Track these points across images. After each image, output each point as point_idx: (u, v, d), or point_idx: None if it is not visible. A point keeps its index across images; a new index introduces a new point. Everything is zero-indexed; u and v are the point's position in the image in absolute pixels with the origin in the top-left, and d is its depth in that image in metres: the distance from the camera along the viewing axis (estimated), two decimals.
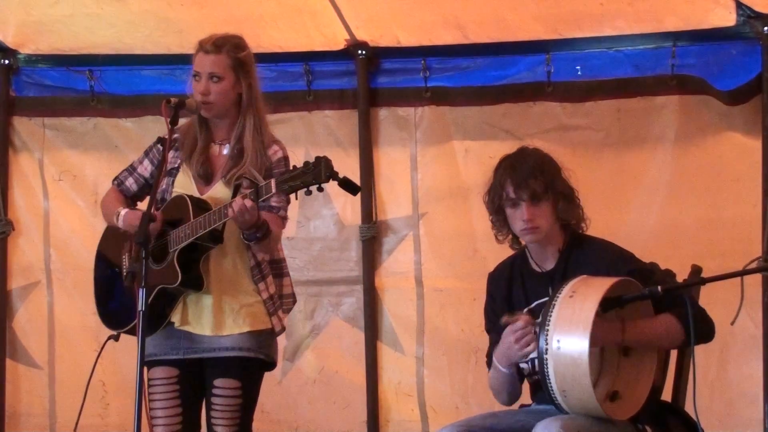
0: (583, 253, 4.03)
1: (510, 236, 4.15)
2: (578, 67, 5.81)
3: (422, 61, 5.95)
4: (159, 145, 4.51)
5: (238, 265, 4.38)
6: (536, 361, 3.85)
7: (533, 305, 4.01)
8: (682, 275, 4.12)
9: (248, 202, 4.09)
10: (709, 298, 4.09)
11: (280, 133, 4.60)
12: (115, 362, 5.72)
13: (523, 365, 4.05)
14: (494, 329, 4.08)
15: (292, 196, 4.13)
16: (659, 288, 3.75)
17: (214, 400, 4.36)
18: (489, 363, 4.11)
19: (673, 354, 4.13)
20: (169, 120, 4.27)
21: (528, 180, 3.99)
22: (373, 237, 6.03)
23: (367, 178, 6.00)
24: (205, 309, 4.36)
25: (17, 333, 6.24)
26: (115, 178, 4.63)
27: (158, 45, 5.98)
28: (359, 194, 5.18)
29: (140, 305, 4.04)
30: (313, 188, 3.99)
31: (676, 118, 5.71)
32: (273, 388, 5.82)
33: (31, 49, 6.17)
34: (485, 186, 4.12)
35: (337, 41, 5.95)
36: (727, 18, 5.47)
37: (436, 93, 5.98)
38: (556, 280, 3.93)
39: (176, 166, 4.46)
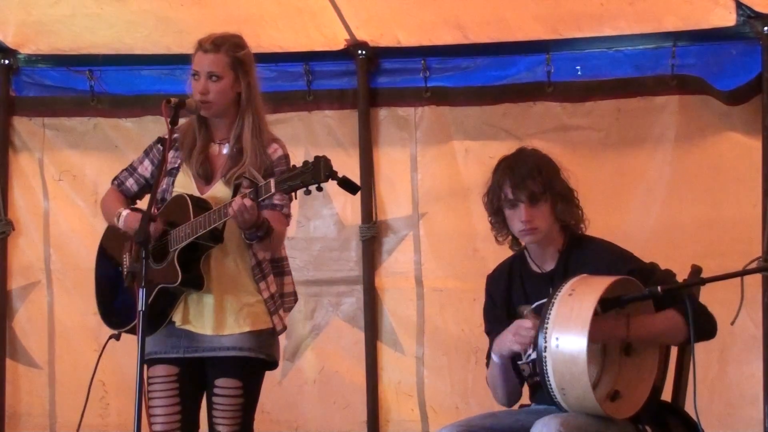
0: (583, 254, 4.03)
1: (509, 237, 4.15)
2: (578, 67, 5.81)
3: (422, 61, 5.95)
4: (159, 145, 4.51)
5: (239, 265, 4.38)
6: (535, 362, 3.86)
7: (533, 306, 4.00)
8: (682, 275, 4.12)
9: (248, 202, 4.09)
10: (709, 298, 4.09)
11: (280, 133, 4.60)
12: (115, 362, 5.70)
13: (523, 367, 4.06)
14: (494, 330, 4.08)
15: (292, 195, 4.13)
16: (659, 288, 3.76)
17: (216, 399, 4.37)
18: (488, 364, 4.11)
19: (673, 354, 4.13)
20: (169, 120, 4.27)
21: (526, 181, 3.99)
22: (373, 237, 6.03)
23: (367, 178, 6.00)
24: (206, 308, 4.36)
25: (17, 333, 6.24)
26: (115, 179, 4.63)
27: (158, 45, 5.98)
28: (359, 194, 5.19)
29: (140, 305, 4.04)
30: (313, 188, 3.99)
31: (676, 118, 5.71)
32: (273, 388, 5.82)
33: (31, 49, 6.17)
34: (485, 186, 4.12)
35: (337, 41, 5.95)
36: (727, 18, 5.47)
37: (436, 93, 5.98)
38: (556, 280, 3.93)
39: (176, 165, 4.46)
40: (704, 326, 3.89)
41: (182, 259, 4.29)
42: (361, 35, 5.92)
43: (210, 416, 4.40)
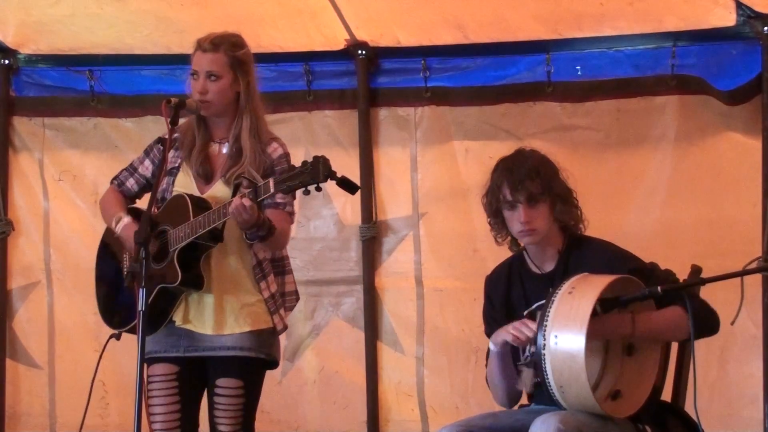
0: (583, 254, 4.04)
1: (509, 238, 4.15)
2: (578, 67, 5.81)
3: (422, 61, 5.95)
4: (159, 145, 4.51)
5: (239, 264, 4.38)
6: (534, 363, 3.86)
7: (533, 307, 4.01)
8: (682, 275, 4.12)
9: (246, 202, 4.09)
10: (709, 298, 4.08)
11: (280, 133, 4.60)
12: (116, 362, 5.71)
13: (521, 368, 4.05)
14: (494, 332, 4.08)
15: (294, 193, 4.13)
16: (659, 288, 3.76)
17: (217, 399, 4.37)
18: (488, 365, 4.11)
19: (673, 354, 4.13)
20: (169, 120, 4.28)
21: (524, 182, 3.99)
22: (373, 237, 6.03)
23: (367, 178, 6.00)
24: (207, 308, 4.37)
25: (17, 333, 6.24)
26: (115, 178, 4.63)
27: (158, 45, 5.98)
28: (359, 194, 5.19)
29: (140, 305, 4.05)
30: (312, 188, 3.99)
31: (676, 118, 5.71)
32: (273, 388, 5.82)
33: (31, 49, 6.17)
34: (484, 187, 4.12)
35: (337, 41, 5.95)
36: (727, 18, 5.47)
37: (436, 93, 5.98)
38: (556, 281, 3.92)
39: (177, 165, 4.47)
40: (707, 322, 3.91)
41: (182, 259, 4.29)
42: (361, 35, 5.92)
43: (211, 416, 4.40)
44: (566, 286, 3.77)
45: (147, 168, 4.56)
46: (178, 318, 4.39)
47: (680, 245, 5.55)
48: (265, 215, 4.23)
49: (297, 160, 4.24)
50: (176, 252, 4.28)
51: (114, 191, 4.61)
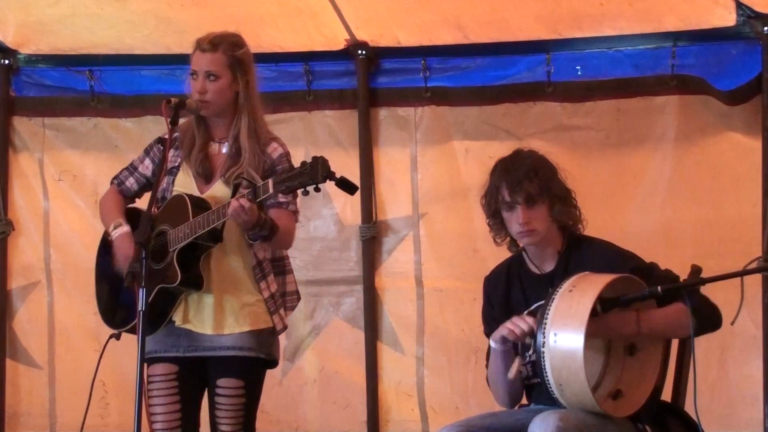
0: (583, 254, 4.04)
1: (508, 239, 4.15)
2: (578, 67, 5.81)
3: (422, 61, 5.95)
4: (159, 145, 4.51)
5: (239, 264, 4.38)
6: (534, 363, 3.86)
7: (533, 307, 4.01)
8: (682, 275, 4.11)
9: (244, 203, 4.09)
10: None
11: (280, 133, 4.60)
12: (116, 362, 5.70)
13: (523, 368, 4.06)
14: (494, 332, 4.08)
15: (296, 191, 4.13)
16: (659, 288, 3.76)
17: (218, 399, 4.37)
18: (488, 365, 4.11)
19: (673, 354, 4.13)
20: (169, 120, 4.27)
21: (523, 183, 3.99)
22: (373, 237, 6.03)
23: (367, 178, 6.00)
24: (206, 308, 4.37)
25: (17, 333, 6.24)
26: (115, 178, 4.63)
27: (158, 45, 5.98)
28: (359, 194, 5.19)
29: (140, 305, 4.05)
30: (311, 188, 3.99)
31: (676, 118, 5.71)
32: (273, 388, 5.82)
33: (31, 49, 6.16)
34: (484, 188, 4.12)
35: (337, 41, 5.95)
36: (727, 18, 5.47)
37: (436, 93, 5.98)
38: (556, 281, 3.92)
39: (177, 165, 4.47)
40: (710, 318, 3.91)
41: (182, 259, 4.28)
42: (361, 35, 5.92)
43: (212, 416, 4.41)
44: (567, 284, 3.77)
45: (147, 167, 4.56)
46: (177, 318, 4.39)
47: (680, 245, 5.55)
48: (266, 215, 4.23)
49: (297, 160, 4.24)
50: (176, 252, 4.29)
51: (114, 192, 4.61)
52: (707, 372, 5.51)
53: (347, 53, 5.99)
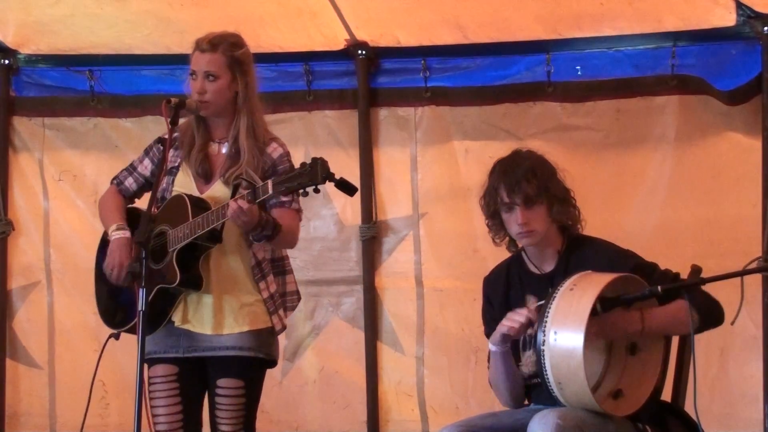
0: (583, 254, 4.04)
1: (507, 239, 4.15)
2: (578, 67, 5.81)
3: (422, 61, 5.95)
4: (159, 145, 4.51)
5: (238, 264, 4.38)
6: (535, 363, 3.87)
7: (533, 307, 4.00)
8: (681, 275, 4.11)
9: (243, 204, 4.09)
10: None
11: (280, 133, 4.60)
12: (115, 362, 5.71)
13: (524, 369, 4.06)
14: (492, 334, 4.08)
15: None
16: (659, 288, 3.77)
17: (219, 399, 4.37)
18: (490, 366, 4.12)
19: (673, 354, 4.13)
20: (169, 120, 4.28)
21: (521, 184, 3.99)
22: (373, 237, 6.03)
23: (367, 178, 6.00)
24: (206, 308, 4.37)
25: (17, 333, 6.24)
26: (115, 178, 4.63)
27: (158, 45, 5.98)
28: (359, 194, 5.19)
29: (140, 305, 4.05)
30: (310, 189, 3.99)
31: (676, 118, 5.71)
32: (273, 388, 5.82)
33: (31, 49, 6.16)
34: (482, 188, 4.13)
35: (337, 41, 5.95)
36: (727, 18, 5.47)
37: (436, 93, 5.98)
38: (556, 281, 3.92)
39: (176, 165, 4.47)
40: (712, 314, 3.91)
41: (181, 260, 4.29)
42: (361, 35, 5.92)
43: (212, 416, 4.41)
44: (568, 283, 3.78)
45: (146, 167, 4.56)
46: (177, 318, 4.39)
47: (680, 245, 5.55)
48: (268, 215, 4.23)
49: (297, 160, 4.25)
50: (175, 252, 4.29)
51: (114, 191, 4.61)
52: (707, 372, 5.51)
53: (347, 53, 5.99)
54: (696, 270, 4.13)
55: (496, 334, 3.97)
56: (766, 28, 5.42)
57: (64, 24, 5.93)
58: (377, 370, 6.03)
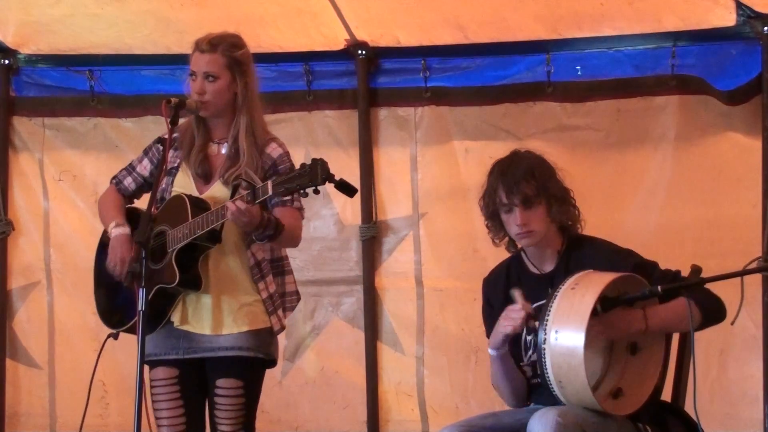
0: (584, 254, 4.04)
1: (506, 239, 4.15)
2: (578, 67, 5.81)
3: (422, 61, 5.95)
4: (159, 145, 4.51)
5: (237, 265, 4.38)
6: (536, 363, 3.87)
7: (533, 307, 4.00)
8: (681, 273, 4.11)
9: (240, 204, 4.09)
10: None
11: (280, 133, 4.60)
12: (115, 362, 5.72)
13: (525, 368, 4.06)
14: (491, 338, 4.08)
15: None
16: (659, 288, 3.77)
17: (218, 400, 4.37)
18: None
19: (673, 354, 4.13)
20: (169, 120, 4.28)
21: (519, 184, 3.99)
22: (373, 237, 6.03)
23: (367, 178, 6.00)
24: (204, 308, 4.37)
25: (17, 333, 6.24)
26: (114, 177, 4.63)
27: (158, 45, 5.98)
28: (359, 194, 5.18)
29: (140, 305, 4.05)
30: (309, 190, 3.99)
31: (676, 118, 5.71)
32: (273, 388, 5.83)
33: (31, 49, 6.16)
34: (482, 189, 4.12)
35: (337, 41, 5.95)
36: (727, 18, 5.47)
37: (436, 93, 5.98)
38: (556, 281, 3.92)
39: (176, 165, 4.46)
40: (714, 310, 3.90)
41: (180, 260, 4.28)
42: (361, 35, 5.92)
43: (212, 416, 4.41)
44: (569, 282, 3.78)
45: (145, 167, 4.56)
46: (176, 318, 4.39)
47: (680, 245, 5.55)
48: (270, 214, 4.23)
49: (297, 161, 4.25)
50: (174, 252, 4.29)
51: (113, 191, 4.61)
52: (707, 372, 5.52)
53: (347, 53, 5.99)
54: (696, 270, 4.13)
55: (498, 337, 3.96)
56: (766, 28, 5.42)
57: (64, 24, 5.93)
58: (377, 370, 6.03)
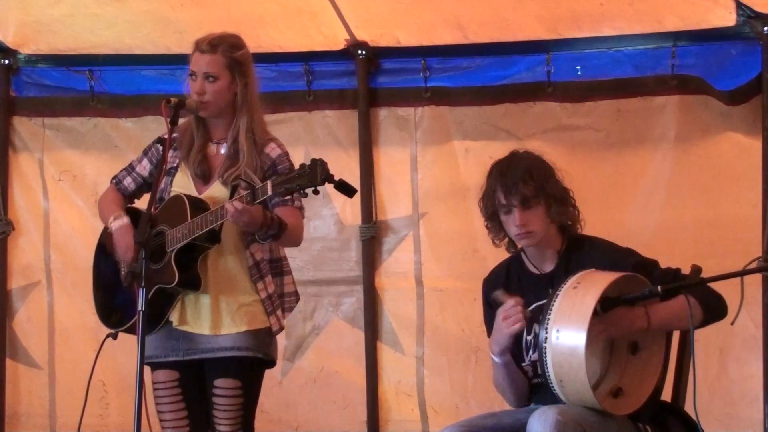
0: (584, 253, 4.03)
1: (507, 240, 4.15)
2: (578, 67, 5.81)
3: (422, 61, 5.95)
4: (158, 145, 4.52)
5: (236, 265, 4.38)
6: (537, 363, 3.87)
7: (533, 307, 4.00)
8: (682, 270, 4.11)
9: (238, 205, 4.09)
10: None
11: (280, 133, 4.60)
12: (115, 362, 5.72)
13: (526, 368, 4.06)
14: (495, 345, 4.07)
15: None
16: (659, 288, 3.77)
17: (216, 400, 4.37)
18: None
19: (673, 354, 4.13)
20: (168, 120, 4.28)
21: (518, 185, 3.98)
22: (373, 237, 6.03)
23: (367, 178, 6.00)
24: (203, 308, 4.37)
25: (17, 333, 6.24)
26: (114, 177, 4.64)
27: (158, 45, 5.98)
28: (359, 194, 5.18)
29: (140, 305, 4.05)
30: (309, 191, 3.99)
31: (676, 118, 5.71)
32: (273, 388, 5.83)
33: (31, 49, 6.16)
34: (481, 190, 4.12)
35: (337, 41, 5.95)
36: (727, 18, 5.47)
37: (436, 93, 5.98)
38: (556, 281, 3.92)
39: (175, 165, 4.47)
40: (715, 307, 3.90)
41: (179, 260, 4.29)
42: (361, 35, 5.92)
43: (211, 416, 4.41)
44: (571, 281, 3.78)
45: (144, 167, 4.56)
46: (174, 319, 4.39)
47: (680, 245, 5.55)
48: (273, 214, 4.23)
49: (297, 161, 4.25)
50: (174, 253, 4.29)
51: (113, 190, 4.61)
52: (707, 372, 5.52)
53: (347, 53, 5.99)
54: (696, 270, 4.13)
55: (504, 340, 3.94)
56: (766, 28, 5.43)
57: (64, 24, 5.93)
58: (377, 370, 6.03)
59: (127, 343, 4.34)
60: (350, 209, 6.06)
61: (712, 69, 5.60)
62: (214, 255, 4.35)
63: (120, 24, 5.91)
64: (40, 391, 6.23)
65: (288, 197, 4.28)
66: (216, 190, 4.36)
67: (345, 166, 5.85)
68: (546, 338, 3.70)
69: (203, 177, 4.41)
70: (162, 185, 4.42)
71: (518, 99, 5.89)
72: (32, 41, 6.12)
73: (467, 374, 5.92)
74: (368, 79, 6.03)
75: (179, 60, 4.78)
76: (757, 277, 5.40)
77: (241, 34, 4.46)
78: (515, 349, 4.04)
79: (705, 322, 3.90)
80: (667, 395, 4.13)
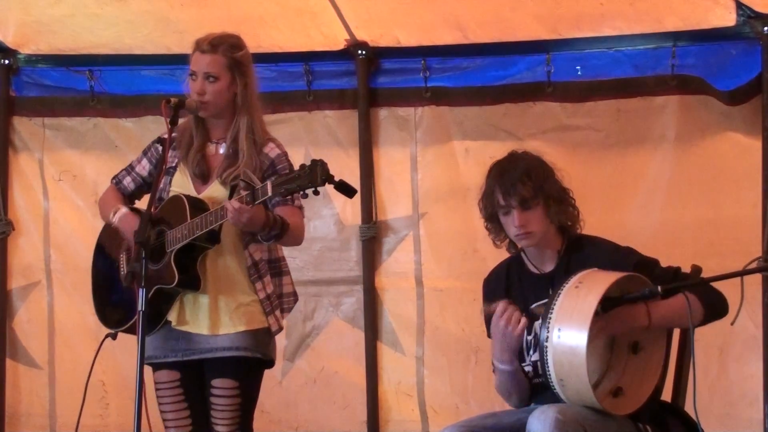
0: (584, 253, 4.03)
1: (507, 240, 4.15)
2: (578, 67, 5.81)
3: (422, 61, 5.95)
4: (158, 145, 4.52)
5: (234, 265, 4.38)
6: (538, 363, 3.86)
7: (533, 307, 4.00)
8: (682, 269, 4.11)
9: (236, 204, 4.09)
10: None
11: (280, 133, 4.60)
12: (115, 362, 5.72)
13: (527, 368, 4.05)
14: (498, 352, 4.07)
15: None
16: (659, 288, 3.77)
17: (214, 400, 4.37)
18: (495, 370, 4.11)
19: (673, 354, 4.13)
20: (168, 120, 4.28)
21: (516, 186, 3.98)
22: (373, 237, 6.03)
23: (367, 178, 6.00)
24: (202, 308, 4.37)
25: (17, 333, 6.24)
26: (114, 177, 4.64)
27: (158, 45, 5.98)
28: (359, 194, 5.18)
29: (140, 305, 4.05)
30: (309, 191, 3.99)
31: (676, 118, 5.71)
32: (273, 388, 5.83)
33: (31, 49, 6.16)
34: (481, 191, 4.12)
35: (337, 41, 5.95)
36: (727, 18, 5.47)
37: (436, 93, 5.98)
38: (556, 281, 3.92)
39: (174, 165, 4.47)
40: (716, 305, 3.90)
41: (179, 260, 4.29)
42: (361, 35, 5.92)
43: (209, 416, 4.41)
44: (573, 280, 3.78)
45: (144, 167, 4.56)
46: (173, 319, 4.38)
47: (680, 245, 5.55)
48: (274, 214, 4.24)
49: (297, 161, 4.25)
50: (173, 253, 4.29)
51: (113, 190, 4.62)
52: (707, 372, 5.52)
53: (347, 53, 5.99)
54: (696, 270, 4.13)
55: (513, 343, 3.93)
56: (766, 28, 5.43)
57: (64, 24, 5.93)
58: (377, 371, 6.03)
59: (127, 343, 4.34)
60: (350, 209, 6.06)
61: (712, 69, 5.60)
62: (213, 255, 4.35)
63: (120, 24, 5.91)
64: (40, 391, 6.23)
65: (288, 197, 4.28)
66: (214, 190, 4.36)
67: (345, 166, 5.85)
68: (547, 337, 3.70)
69: (202, 177, 4.41)
70: (161, 185, 4.42)
71: (518, 99, 5.89)
72: (32, 41, 6.13)
73: (467, 374, 5.92)
74: (368, 79, 6.03)
75: (179, 60, 4.78)
76: (757, 277, 5.40)
77: (241, 34, 4.46)
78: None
79: (706, 319, 3.90)
80: (667, 395, 4.13)
